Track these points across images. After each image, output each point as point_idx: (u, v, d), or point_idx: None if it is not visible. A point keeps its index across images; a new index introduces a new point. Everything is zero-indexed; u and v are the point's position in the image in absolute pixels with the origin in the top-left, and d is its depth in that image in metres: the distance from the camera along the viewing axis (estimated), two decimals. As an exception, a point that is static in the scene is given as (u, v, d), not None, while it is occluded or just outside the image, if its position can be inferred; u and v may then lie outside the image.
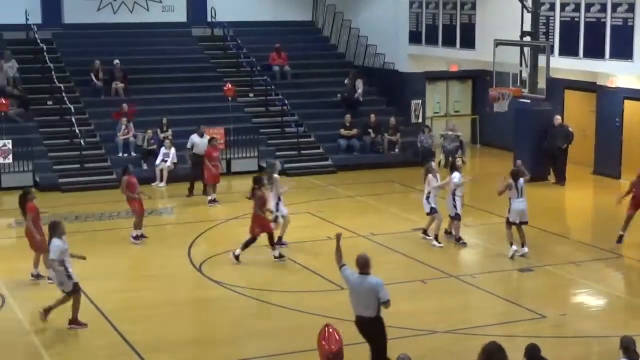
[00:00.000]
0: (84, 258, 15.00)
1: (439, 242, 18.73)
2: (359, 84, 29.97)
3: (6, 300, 15.71)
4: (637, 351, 10.03)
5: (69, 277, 14.25)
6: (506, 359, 9.30)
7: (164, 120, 26.62)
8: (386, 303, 11.58)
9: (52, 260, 14.34)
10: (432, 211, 18.76)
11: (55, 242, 14.39)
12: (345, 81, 30.18)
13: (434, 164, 19.79)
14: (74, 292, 14.33)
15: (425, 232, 19.18)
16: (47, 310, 14.44)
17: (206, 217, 21.96)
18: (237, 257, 17.73)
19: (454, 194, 18.73)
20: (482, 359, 9.25)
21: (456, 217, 18.87)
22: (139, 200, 19.39)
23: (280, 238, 18.60)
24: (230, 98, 27.80)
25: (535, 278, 17.13)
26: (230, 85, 27.95)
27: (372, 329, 11.69)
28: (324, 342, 11.02)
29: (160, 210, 22.57)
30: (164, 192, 24.74)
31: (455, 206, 18.72)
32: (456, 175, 18.76)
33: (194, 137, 24.14)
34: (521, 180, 18.08)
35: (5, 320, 14.91)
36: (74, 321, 14.31)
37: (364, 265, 11.72)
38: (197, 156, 23.55)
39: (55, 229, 14.53)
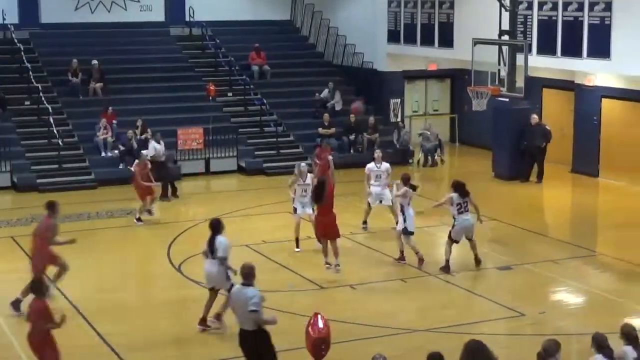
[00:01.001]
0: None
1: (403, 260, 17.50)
2: (337, 96, 29.78)
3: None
4: (610, 347, 10.01)
5: (229, 277, 13.90)
6: (492, 356, 9.25)
7: (138, 122, 26.24)
8: None
9: (224, 259, 13.91)
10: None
11: (224, 238, 14.06)
12: (325, 92, 29.81)
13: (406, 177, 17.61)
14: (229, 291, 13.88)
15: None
16: (218, 316, 14.20)
17: (186, 216, 21.92)
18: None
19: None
20: (465, 358, 9.19)
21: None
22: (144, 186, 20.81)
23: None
24: (211, 97, 27.73)
25: (514, 276, 17.18)
26: (213, 86, 27.83)
27: None
28: (310, 330, 10.99)
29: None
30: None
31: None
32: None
33: (154, 143, 23.59)
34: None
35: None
36: (204, 321, 14.21)
37: None
38: (157, 161, 23.00)
39: (221, 227, 14.13)
